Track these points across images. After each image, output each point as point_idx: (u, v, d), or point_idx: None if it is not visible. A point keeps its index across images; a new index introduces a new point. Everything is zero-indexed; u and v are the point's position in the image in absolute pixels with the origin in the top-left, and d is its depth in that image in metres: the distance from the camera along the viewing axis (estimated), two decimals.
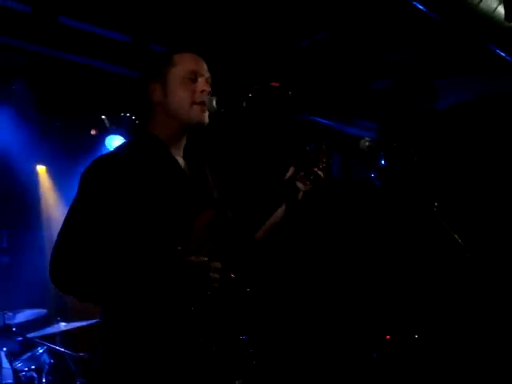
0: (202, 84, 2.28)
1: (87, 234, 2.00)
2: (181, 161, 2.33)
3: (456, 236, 3.12)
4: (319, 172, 2.40)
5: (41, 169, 6.45)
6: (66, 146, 6.03)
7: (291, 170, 2.44)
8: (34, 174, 6.35)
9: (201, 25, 4.87)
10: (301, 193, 2.40)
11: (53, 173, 6.45)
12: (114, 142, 5.87)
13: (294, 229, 2.52)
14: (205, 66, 2.34)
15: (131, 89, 5.31)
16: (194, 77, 2.28)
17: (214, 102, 2.24)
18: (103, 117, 5.87)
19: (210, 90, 2.30)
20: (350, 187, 6.64)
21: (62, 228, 2.06)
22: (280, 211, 2.48)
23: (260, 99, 2.21)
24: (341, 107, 6.20)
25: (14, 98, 5.35)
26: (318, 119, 5.99)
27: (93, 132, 6.05)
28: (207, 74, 2.33)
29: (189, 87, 2.26)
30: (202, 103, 2.26)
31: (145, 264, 2.03)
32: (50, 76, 5.27)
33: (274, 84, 2.23)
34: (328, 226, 6.27)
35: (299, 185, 2.39)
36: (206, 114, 2.29)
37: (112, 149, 2.34)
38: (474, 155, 5.76)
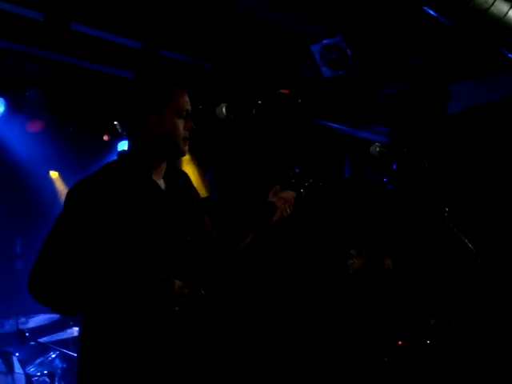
0: (189, 122, 2.44)
1: (67, 251, 2.20)
2: (161, 182, 2.49)
3: (467, 241, 3.10)
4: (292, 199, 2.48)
5: (54, 174, 6.48)
6: (79, 152, 6.06)
7: (274, 190, 2.60)
8: (47, 180, 6.38)
9: (212, 32, 4.89)
10: (278, 212, 2.55)
11: (65, 178, 6.47)
12: (126, 147, 5.89)
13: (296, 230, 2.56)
14: (189, 101, 2.48)
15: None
16: (184, 114, 2.43)
17: (224, 109, 2.25)
18: (115, 122, 5.90)
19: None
20: (361, 189, 6.63)
21: (43, 244, 2.24)
22: (250, 237, 2.60)
23: (270, 106, 2.22)
24: (352, 112, 6.20)
25: (27, 104, 5.39)
26: (330, 123, 5.98)
27: (105, 138, 6.09)
28: (190, 108, 2.47)
29: (181, 123, 2.42)
30: (188, 139, 2.43)
31: (118, 280, 2.22)
32: (63, 82, 5.31)
33: (283, 91, 2.24)
34: (337, 227, 6.26)
35: (279, 204, 2.48)
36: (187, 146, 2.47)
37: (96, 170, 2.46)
38: (485, 160, 5.73)
